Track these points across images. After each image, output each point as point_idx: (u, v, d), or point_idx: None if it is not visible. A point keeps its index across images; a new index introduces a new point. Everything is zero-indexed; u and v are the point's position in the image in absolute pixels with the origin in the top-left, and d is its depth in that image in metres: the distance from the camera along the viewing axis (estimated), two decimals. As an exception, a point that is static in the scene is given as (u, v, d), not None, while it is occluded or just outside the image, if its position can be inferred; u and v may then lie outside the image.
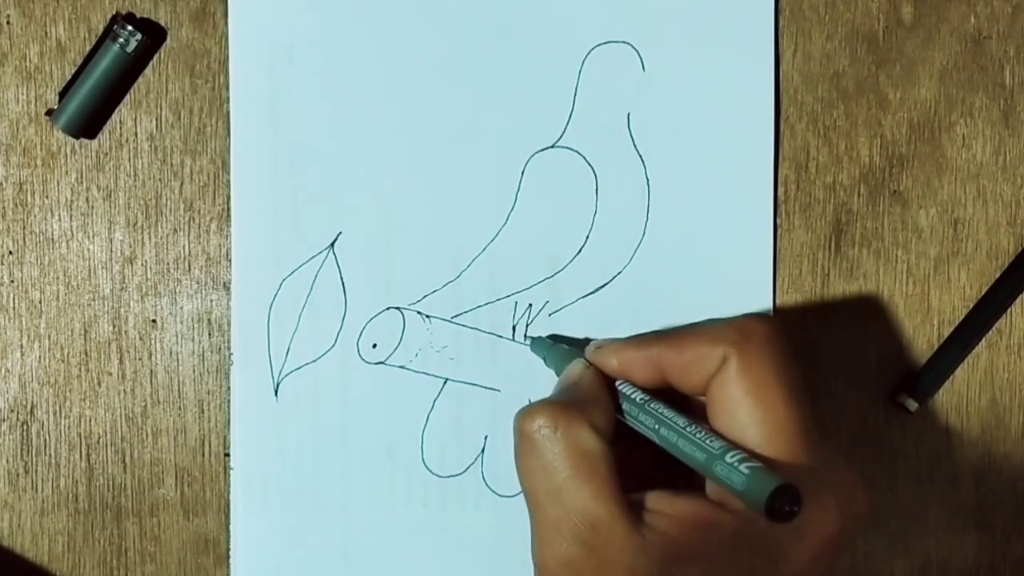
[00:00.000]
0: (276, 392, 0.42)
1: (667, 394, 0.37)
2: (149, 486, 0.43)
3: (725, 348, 0.35)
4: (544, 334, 0.43)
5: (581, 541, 0.33)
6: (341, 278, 0.42)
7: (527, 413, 0.35)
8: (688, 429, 0.34)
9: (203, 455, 0.43)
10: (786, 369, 0.35)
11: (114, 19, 0.42)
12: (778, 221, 0.43)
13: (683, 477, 0.36)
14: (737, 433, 0.34)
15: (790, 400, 0.34)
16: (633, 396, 0.36)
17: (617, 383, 0.37)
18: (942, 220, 0.44)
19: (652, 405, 0.36)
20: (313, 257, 0.42)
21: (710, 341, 0.35)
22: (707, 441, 0.33)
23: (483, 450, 0.43)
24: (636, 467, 0.36)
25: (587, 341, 0.41)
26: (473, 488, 0.43)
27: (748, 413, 0.34)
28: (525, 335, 0.43)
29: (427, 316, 0.42)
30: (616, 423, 0.36)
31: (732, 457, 0.32)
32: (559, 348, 0.41)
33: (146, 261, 0.42)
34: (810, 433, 0.35)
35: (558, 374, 0.40)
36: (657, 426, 0.35)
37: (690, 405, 0.37)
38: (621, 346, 0.38)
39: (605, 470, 0.34)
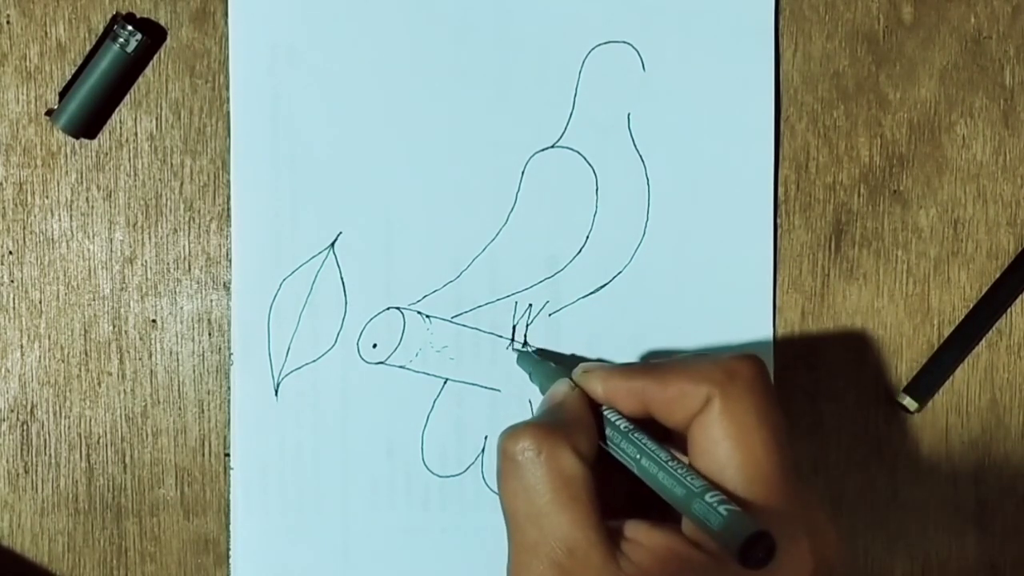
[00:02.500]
0: (276, 392, 0.42)
1: (651, 425, 0.37)
2: (149, 486, 0.43)
3: (709, 388, 0.35)
4: (537, 342, 0.43)
5: (557, 565, 0.33)
6: (341, 278, 0.42)
7: (511, 434, 0.35)
8: (669, 464, 0.34)
9: (203, 455, 0.43)
10: (768, 413, 0.35)
11: (114, 19, 0.42)
12: (778, 221, 0.43)
13: (658, 510, 0.36)
14: (716, 473, 0.34)
15: (770, 444, 0.34)
16: (618, 423, 0.36)
17: (603, 409, 0.37)
18: (942, 220, 0.44)
19: (636, 435, 0.35)
20: (313, 257, 0.42)
21: (694, 379, 0.35)
22: (687, 478, 0.33)
23: (483, 450, 0.43)
24: (612, 494, 0.36)
25: (573, 358, 0.42)
26: (473, 488, 0.43)
27: (728, 455, 0.34)
28: (525, 340, 0.43)
29: (427, 316, 0.42)
30: (598, 449, 0.36)
31: (711, 497, 0.32)
32: (545, 365, 0.41)
33: (146, 261, 0.42)
34: (788, 477, 0.34)
35: (542, 391, 0.40)
36: (639, 456, 0.35)
37: (672, 438, 0.37)
38: (608, 373, 0.37)
39: (586, 496, 0.34)
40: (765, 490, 0.34)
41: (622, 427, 0.36)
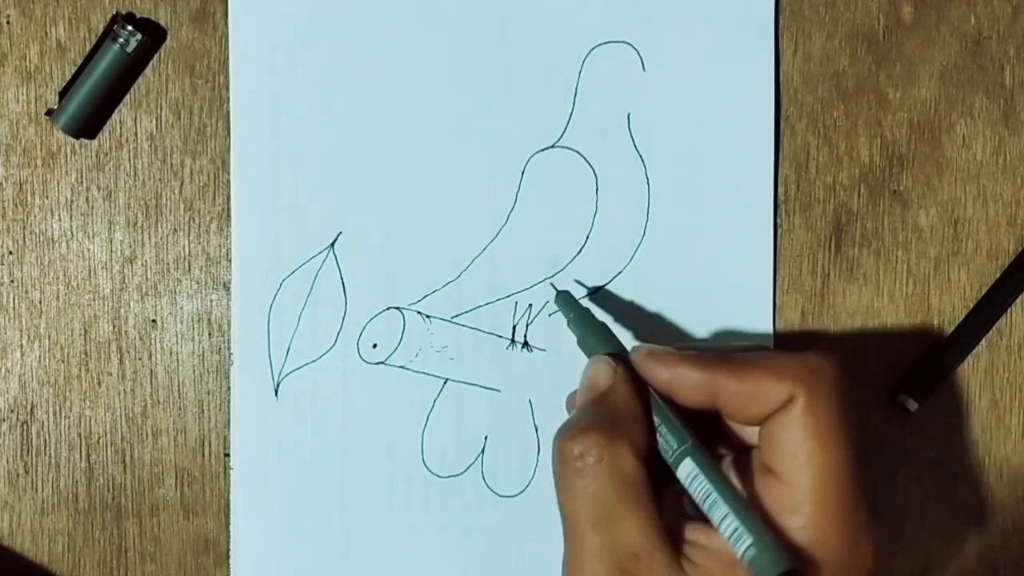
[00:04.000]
0: (276, 392, 0.42)
1: (696, 414, 0.36)
2: (149, 486, 0.43)
3: (793, 386, 0.34)
4: (536, 342, 0.42)
5: (620, 570, 0.33)
6: (341, 278, 0.42)
7: (568, 436, 0.34)
8: (719, 486, 0.34)
9: (203, 455, 0.43)
10: (848, 412, 0.35)
11: (114, 19, 0.42)
12: (778, 221, 0.43)
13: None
14: (794, 472, 0.34)
15: (847, 446, 0.34)
16: (662, 429, 0.35)
17: (652, 400, 0.36)
18: (942, 220, 0.44)
19: (693, 447, 0.35)
20: (313, 257, 0.42)
21: (777, 376, 0.34)
22: (735, 507, 0.33)
23: (483, 450, 0.43)
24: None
25: (602, 325, 0.40)
26: (473, 488, 0.43)
27: (809, 456, 0.34)
28: (525, 340, 0.42)
29: (427, 316, 0.42)
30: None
31: (751, 526, 0.32)
32: (593, 326, 0.39)
33: (146, 261, 0.42)
34: (858, 479, 0.34)
35: (583, 348, 0.39)
36: (694, 474, 0.34)
37: (729, 431, 0.37)
38: (677, 360, 0.36)
39: (647, 498, 0.34)
40: (839, 493, 0.34)
41: (669, 435, 0.35)
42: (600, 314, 0.42)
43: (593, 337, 0.39)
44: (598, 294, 0.43)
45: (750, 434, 0.36)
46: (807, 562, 0.33)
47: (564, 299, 0.41)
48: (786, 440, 0.34)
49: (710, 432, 0.37)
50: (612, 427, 0.35)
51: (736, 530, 0.33)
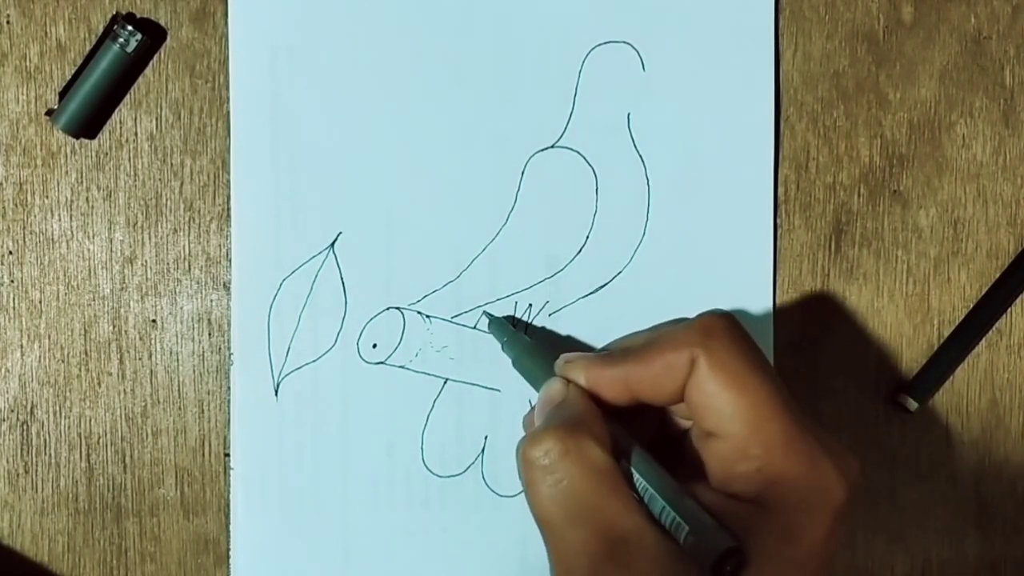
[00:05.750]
0: (276, 392, 0.42)
1: (636, 414, 0.37)
2: (149, 486, 0.43)
3: (691, 350, 0.35)
4: (548, 327, 0.43)
5: (611, 559, 0.33)
6: (341, 278, 0.42)
7: (529, 442, 0.34)
8: (659, 483, 0.34)
9: (203, 455, 0.43)
10: (755, 355, 0.35)
11: (114, 19, 0.42)
12: (778, 221, 0.43)
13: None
14: (725, 425, 0.34)
15: (768, 383, 0.34)
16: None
17: None
18: (942, 220, 0.44)
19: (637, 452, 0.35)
20: (313, 257, 0.42)
21: (674, 347, 0.35)
22: (670, 496, 0.33)
23: (483, 450, 0.43)
24: None
25: (542, 331, 0.42)
26: (473, 488, 0.43)
27: (730, 404, 0.34)
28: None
29: (427, 316, 0.42)
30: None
31: (684, 509, 0.33)
32: (534, 359, 0.40)
33: (146, 261, 0.42)
34: (794, 411, 0.34)
35: (527, 378, 0.40)
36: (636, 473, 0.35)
37: (665, 420, 0.38)
38: (589, 362, 0.37)
39: (623, 484, 0.34)
40: (778, 426, 0.34)
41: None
42: (600, 314, 0.42)
43: (527, 356, 0.40)
44: (598, 294, 0.43)
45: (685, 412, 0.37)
46: (769, 503, 0.33)
47: (496, 324, 0.42)
48: (706, 399, 0.34)
49: (661, 428, 0.38)
50: (572, 424, 0.35)
51: (673, 519, 0.33)
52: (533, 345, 0.40)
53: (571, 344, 0.42)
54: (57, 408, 0.42)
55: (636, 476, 0.34)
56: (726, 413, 0.34)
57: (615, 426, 0.36)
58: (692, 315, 0.42)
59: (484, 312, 0.42)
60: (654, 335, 0.37)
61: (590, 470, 0.34)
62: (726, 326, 0.35)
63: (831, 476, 0.34)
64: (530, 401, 0.43)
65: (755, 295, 0.43)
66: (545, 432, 0.34)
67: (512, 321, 0.42)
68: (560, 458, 0.34)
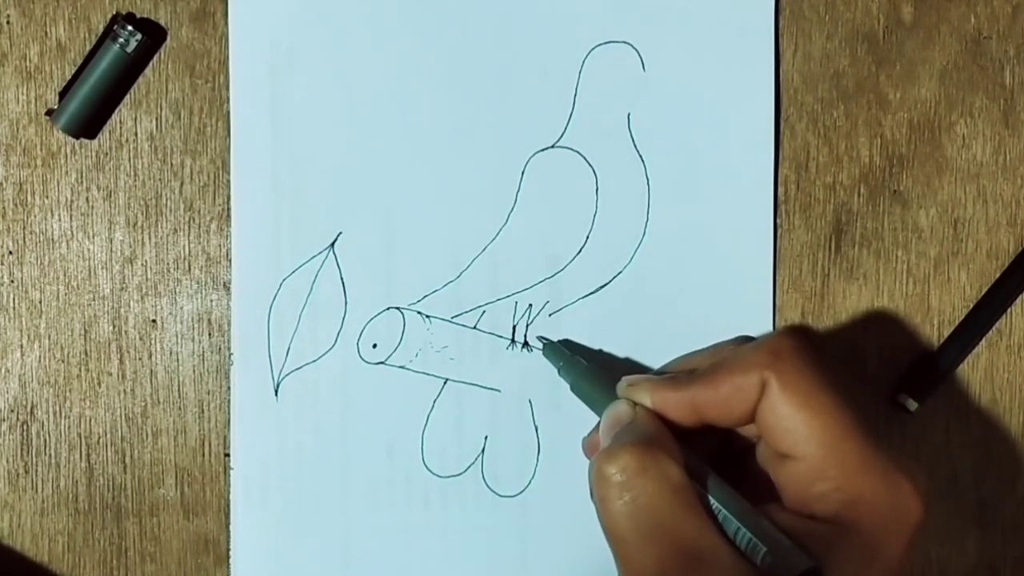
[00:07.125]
0: (276, 392, 0.42)
1: (702, 436, 0.37)
2: (149, 486, 0.43)
3: (761, 372, 0.35)
4: (553, 338, 0.42)
5: None
6: (341, 278, 0.42)
7: (605, 457, 0.34)
8: (735, 509, 0.34)
9: (203, 455, 0.43)
10: (824, 374, 0.35)
11: (114, 19, 0.42)
12: (778, 221, 0.43)
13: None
14: (800, 447, 0.34)
15: (840, 402, 0.34)
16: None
17: None
18: (942, 220, 0.44)
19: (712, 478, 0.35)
20: (313, 257, 0.42)
21: (743, 370, 0.35)
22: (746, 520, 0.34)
23: (483, 450, 0.43)
24: None
25: (594, 351, 0.42)
26: (473, 488, 0.43)
27: (806, 425, 0.34)
28: (525, 340, 0.42)
29: (427, 316, 0.42)
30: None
31: (765, 536, 0.33)
32: (593, 383, 0.40)
33: (146, 261, 0.42)
34: (867, 430, 0.34)
35: (587, 402, 0.40)
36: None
37: (727, 438, 0.37)
38: (655, 385, 0.37)
39: (698, 502, 0.34)
40: (853, 446, 0.34)
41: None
42: (600, 314, 0.42)
43: (585, 381, 0.40)
44: (598, 294, 0.43)
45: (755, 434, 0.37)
46: (849, 523, 0.33)
47: (551, 349, 0.42)
48: (779, 421, 0.34)
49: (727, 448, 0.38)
50: (648, 441, 0.35)
51: (749, 540, 0.33)
52: (591, 369, 0.40)
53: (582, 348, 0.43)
54: (57, 408, 0.42)
55: (709, 497, 0.34)
56: (801, 435, 0.34)
57: (684, 447, 0.36)
58: (692, 316, 0.43)
59: (538, 337, 0.42)
60: (720, 357, 0.37)
61: (666, 487, 0.33)
62: (795, 347, 0.35)
63: (908, 494, 0.34)
64: (530, 402, 0.43)
65: (755, 295, 0.43)
66: (621, 448, 0.34)
67: (567, 345, 0.42)
68: (636, 475, 0.33)
